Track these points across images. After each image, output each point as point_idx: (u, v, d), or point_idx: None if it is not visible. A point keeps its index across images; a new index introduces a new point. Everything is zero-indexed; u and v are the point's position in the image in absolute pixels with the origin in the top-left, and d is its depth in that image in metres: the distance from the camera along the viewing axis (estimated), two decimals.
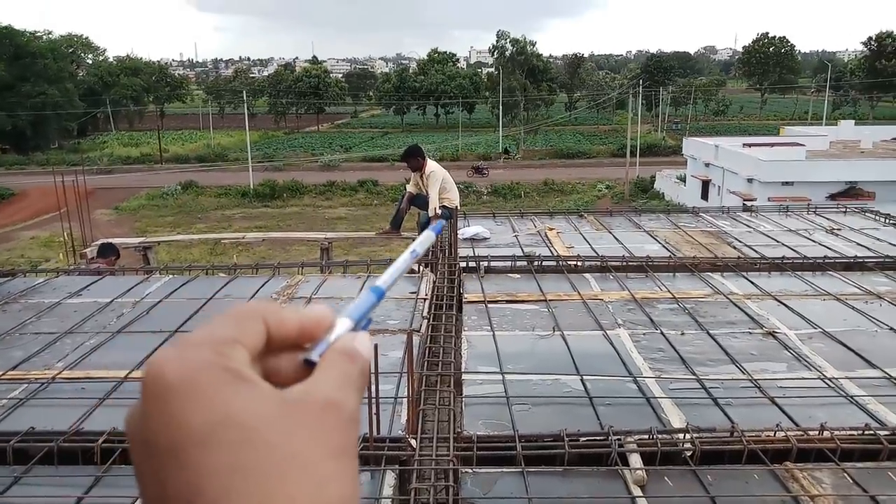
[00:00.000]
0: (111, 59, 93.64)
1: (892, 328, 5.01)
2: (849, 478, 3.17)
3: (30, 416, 3.73)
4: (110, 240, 9.81)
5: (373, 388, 3.33)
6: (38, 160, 60.57)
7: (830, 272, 6.47)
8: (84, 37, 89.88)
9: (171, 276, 6.65)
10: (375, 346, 3.29)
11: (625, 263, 6.59)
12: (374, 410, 3.37)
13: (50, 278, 6.65)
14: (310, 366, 0.56)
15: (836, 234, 8.05)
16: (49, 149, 67.33)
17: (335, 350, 0.57)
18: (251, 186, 46.06)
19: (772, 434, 3.44)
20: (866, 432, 3.44)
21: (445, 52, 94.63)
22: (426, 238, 0.83)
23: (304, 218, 37.98)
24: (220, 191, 46.40)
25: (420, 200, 9.12)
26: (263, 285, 6.09)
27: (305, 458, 0.50)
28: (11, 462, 3.32)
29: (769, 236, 7.88)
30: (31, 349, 4.72)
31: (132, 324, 5.21)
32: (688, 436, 3.40)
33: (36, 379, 4.25)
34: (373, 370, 3.29)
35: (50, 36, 76.95)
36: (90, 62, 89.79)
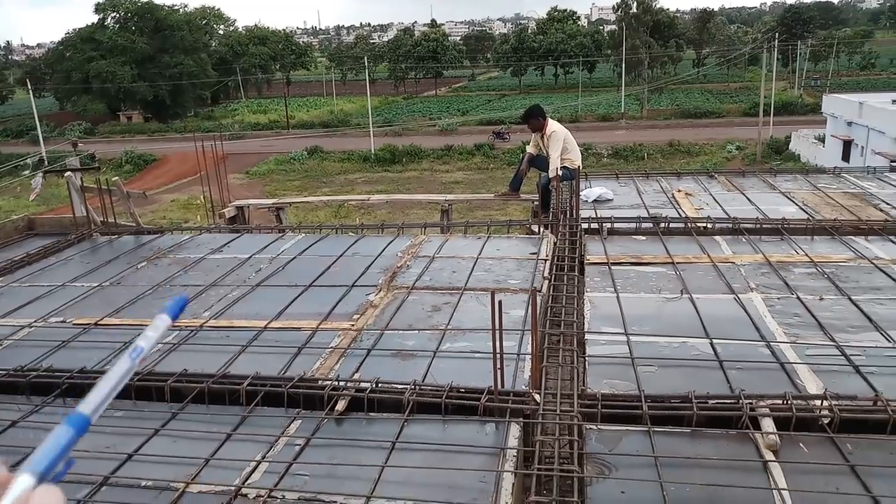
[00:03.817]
0: (241, 29, 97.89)
1: None
2: None
3: (182, 360, 4.08)
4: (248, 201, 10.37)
5: (496, 343, 3.40)
6: (176, 127, 64.69)
7: None
8: (216, 8, 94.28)
9: (303, 234, 6.99)
10: (500, 303, 3.36)
11: (759, 226, 6.29)
12: (498, 365, 3.44)
13: (194, 235, 7.16)
14: None
15: None
16: (186, 117, 71.64)
17: None
18: (372, 151, 47.18)
19: None
20: None
21: (566, 11, 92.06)
22: (154, 331, 0.71)
23: (422, 182, 38.55)
24: (342, 156, 47.85)
25: (540, 162, 9.03)
26: (389, 244, 6.28)
27: None
28: (169, 399, 3.66)
29: None
30: None
31: (269, 278, 5.54)
32: (825, 402, 3.26)
33: (186, 326, 4.62)
34: (497, 327, 3.36)
35: (185, 9, 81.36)
36: (221, 33, 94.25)
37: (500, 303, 3.39)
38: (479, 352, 4.00)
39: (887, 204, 7.09)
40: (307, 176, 43.54)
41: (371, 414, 3.44)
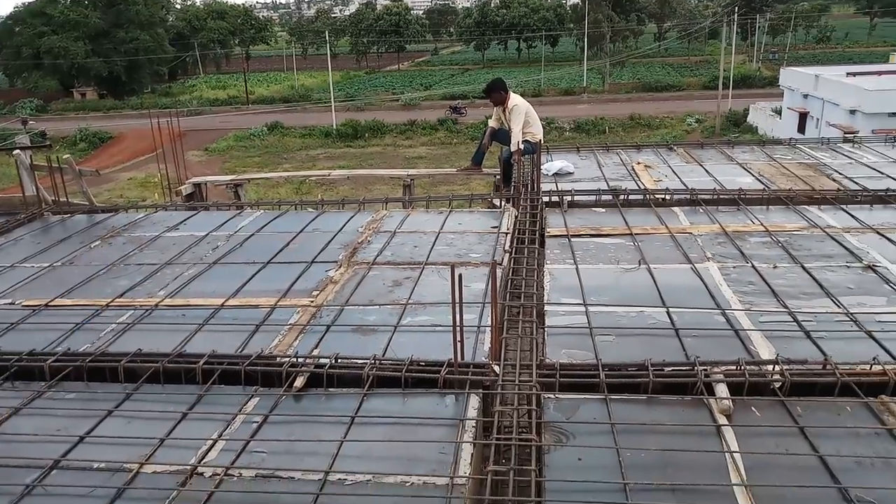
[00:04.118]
0: (198, 4, 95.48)
1: None
2: None
3: (137, 340, 4.00)
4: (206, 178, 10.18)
5: (456, 316, 3.40)
6: (133, 104, 62.95)
7: None
8: None
9: (262, 211, 6.89)
10: (460, 277, 3.35)
11: (716, 196, 6.37)
12: (458, 337, 3.44)
13: (149, 213, 7.00)
14: None
15: None
16: (142, 93, 69.67)
17: None
18: (334, 126, 46.60)
19: (867, 367, 3.32)
20: None
21: None
22: None
23: (385, 157, 38.22)
24: (304, 131, 47.18)
25: (502, 135, 9.00)
26: (350, 220, 6.22)
27: None
28: (123, 380, 3.59)
29: (873, 168, 7.42)
30: (136, 278, 5.03)
31: (227, 255, 5.45)
32: (777, 367, 3.33)
33: (141, 305, 4.53)
34: (457, 300, 3.36)
35: None
36: (178, 7, 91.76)
37: (460, 276, 3.39)
38: (439, 325, 3.99)
39: (839, 174, 7.24)
40: (267, 152, 42.91)
41: (330, 389, 3.42)
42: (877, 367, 3.31)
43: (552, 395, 3.28)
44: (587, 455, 2.85)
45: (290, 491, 2.67)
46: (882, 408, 3.11)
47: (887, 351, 3.54)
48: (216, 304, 4.44)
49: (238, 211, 6.98)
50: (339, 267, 5.04)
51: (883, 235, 5.32)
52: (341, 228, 5.94)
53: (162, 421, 3.21)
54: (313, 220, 6.27)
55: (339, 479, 2.72)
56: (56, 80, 68.37)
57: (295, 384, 3.42)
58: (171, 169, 10.98)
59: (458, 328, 3.42)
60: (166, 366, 3.60)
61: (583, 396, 3.28)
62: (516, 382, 3.32)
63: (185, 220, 6.60)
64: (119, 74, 67.19)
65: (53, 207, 7.19)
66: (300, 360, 3.60)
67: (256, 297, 4.55)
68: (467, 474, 2.72)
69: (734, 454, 2.81)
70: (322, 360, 3.57)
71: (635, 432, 2.99)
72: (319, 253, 5.33)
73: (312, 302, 4.43)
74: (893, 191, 6.31)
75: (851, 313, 3.99)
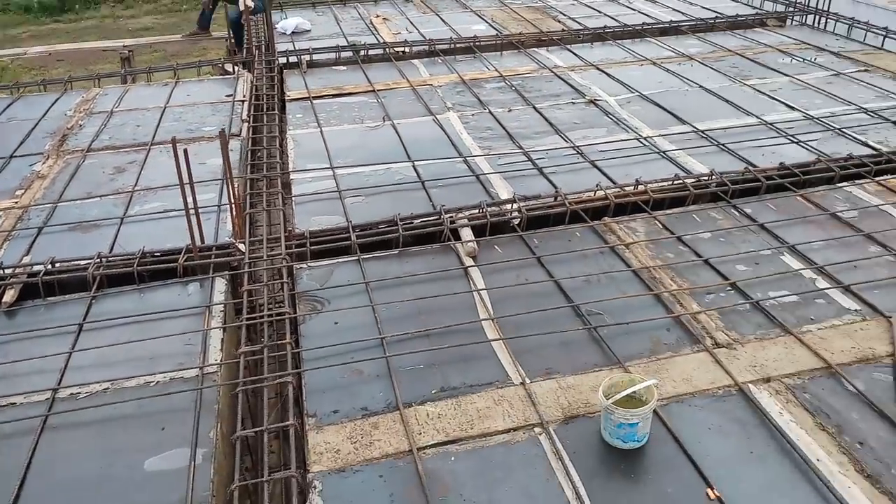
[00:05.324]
0: None
1: (701, 86, 5.27)
2: (659, 224, 3.42)
3: None
4: None
5: (188, 198, 3.09)
6: None
7: (648, 38, 6.62)
8: None
9: None
10: (185, 153, 3.01)
11: (453, 46, 6.39)
12: (193, 220, 3.15)
13: None
14: None
15: (654, 1, 8.17)
16: None
17: None
18: None
19: (592, 194, 3.60)
20: (675, 182, 3.68)
21: None
22: None
23: (104, 31, 33.53)
24: None
25: None
26: (55, 103, 5.35)
27: None
28: None
29: (592, 7, 7.87)
30: None
31: None
32: (515, 205, 3.49)
33: None
34: (186, 180, 3.03)
35: None
36: None
37: (185, 151, 3.04)
38: (174, 210, 3.63)
39: (564, 15, 7.59)
40: None
41: (50, 299, 3.00)
42: (599, 193, 3.59)
43: (304, 265, 3.17)
44: (343, 317, 2.81)
45: (10, 419, 2.33)
46: (605, 228, 3.41)
47: (608, 177, 3.86)
48: None
49: None
50: (47, 159, 4.35)
51: (602, 71, 5.71)
52: (45, 114, 5.08)
53: None
54: (7, 108, 5.30)
55: (71, 394, 2.43)
56: None
57: (4, 299, 2.95)
58: None
59: (191, 211, 3.11)
60: None
61: (336, 261, 3.21)
62: (265, 258, 3.15)
63: None
64: None
65: None
66: (8, 271, 3.10)
67: None
68: (218, 361, 2.56)
69: (481, 291, 2.93)
70: (36, 268, 3.10)
71: (390, 287, 3.00)
72: (19, 146, 4.55)
73: (17, 203, 3.80)
74: (610, 28, 6.76)
75: (577, 146, 4.28)
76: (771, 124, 4.52)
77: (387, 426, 2.26)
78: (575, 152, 4.22)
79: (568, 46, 6.42)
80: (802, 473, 2.06)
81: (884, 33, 6.12)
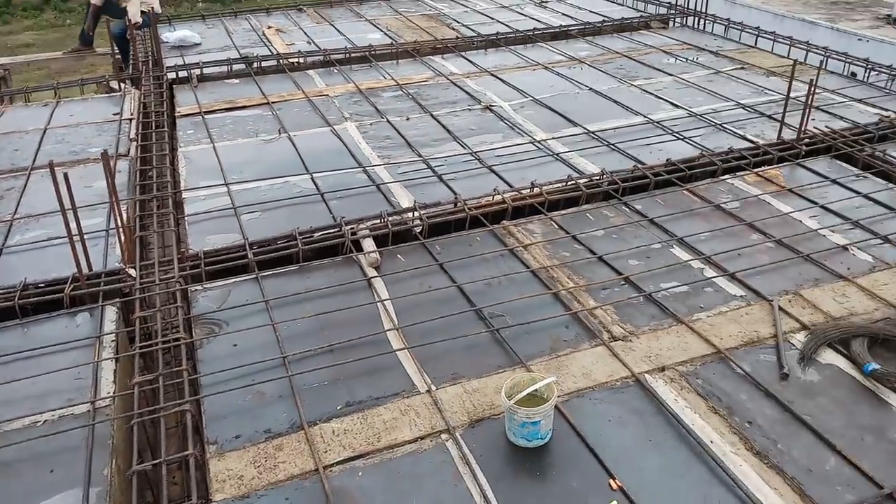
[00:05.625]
0: None
1: (591, 88, 5.45)
2: (555, 224, 3.51)
3: None
4: None
5: (71, 224, 2.94)
6: None
7: (539, 43, 6.79)
8: None
9: None
10: (66, 177, 2.86)
11: (348, 56, 6.35)
12: (77, 248, 3.00)
13: None
14: None
15: (545, 7, 8.40)
16: None
17: None
18: None
19: (490, 199, 3.65)
20: (568, 183, 3.79)
21: None
22: None
23: None
24: None
25: (112, 9, 7.88)
26: None
27: None
28: None
29: (485, 14, 8.00)
30: None
31: None
32: (416, 213, 3.50)
33: None
34: (68, 205, 2.88)
35: None
36: None
37: (65, 175, 2.89)
38: (58, 238, 3.43)
39: (458, 22, 7.68)
40: None
41: None
42: (497, 198, 3.65)
43: (200, 286, 3.07)
44: (243, 339, 2.73)
45: None
46: (504, 232, 3.46)
47: (505, 181, 3.93)
48: None
49: None
50: None
51: (496, 76, 5.81)
52: None
53: None
54: None
55: None
56: None
57: None
58: None
59: (75, 237, 2.96)
60: None
61: (233, 280, 3.12)
62: (157, 282, 3.03)
63: None
64: None
65: None
66: None
67: None
68: (111, 393, 2.44)
69: (384, 302, 2.92)
70: None
71: (291, 303, 2.95)
72: None
73: None
74: (503, 34, 6.90)
75: (475, 152, 4.33)
76: (657, 122, 4.73)
77: (291, 447, 2.21)
78: (473, 158, 4.27)
79: (462, 53, 6.51)
80: (697, 456, 2.16)
81: (756, 32, 6.52)
